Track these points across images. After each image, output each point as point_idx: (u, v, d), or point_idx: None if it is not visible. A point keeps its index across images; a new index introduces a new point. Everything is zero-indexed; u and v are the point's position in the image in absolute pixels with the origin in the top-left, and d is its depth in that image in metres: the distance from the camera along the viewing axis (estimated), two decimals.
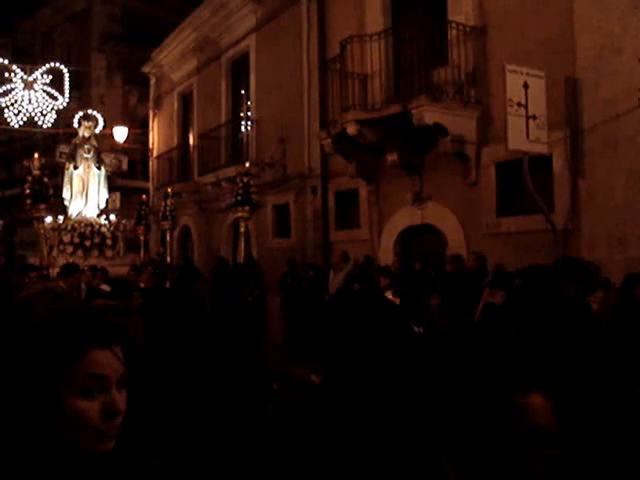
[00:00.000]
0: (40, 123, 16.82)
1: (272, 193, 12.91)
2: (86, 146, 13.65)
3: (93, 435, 0.97)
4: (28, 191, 10.35)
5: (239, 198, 10.65)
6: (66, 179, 13.80)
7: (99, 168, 13.75)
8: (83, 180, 13.59)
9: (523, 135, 6.83)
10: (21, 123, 16.64)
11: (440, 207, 9.13)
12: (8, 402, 0.94)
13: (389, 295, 5.27)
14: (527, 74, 6.91)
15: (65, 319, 1.00)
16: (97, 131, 14.16)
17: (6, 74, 16.09)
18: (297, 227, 12.34)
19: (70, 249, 12.67)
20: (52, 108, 16.78)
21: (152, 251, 14.75)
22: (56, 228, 12.90)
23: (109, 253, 13.08)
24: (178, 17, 17.31)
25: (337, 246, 10.98)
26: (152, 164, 19.41)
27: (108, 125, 15.13)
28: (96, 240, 12.97)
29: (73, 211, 13.58)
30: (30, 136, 18.38)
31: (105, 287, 7.71)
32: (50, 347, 0.95)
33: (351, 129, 9.05)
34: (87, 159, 13.61)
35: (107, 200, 14.18)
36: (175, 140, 18.08)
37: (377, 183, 10.26)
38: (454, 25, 8.60)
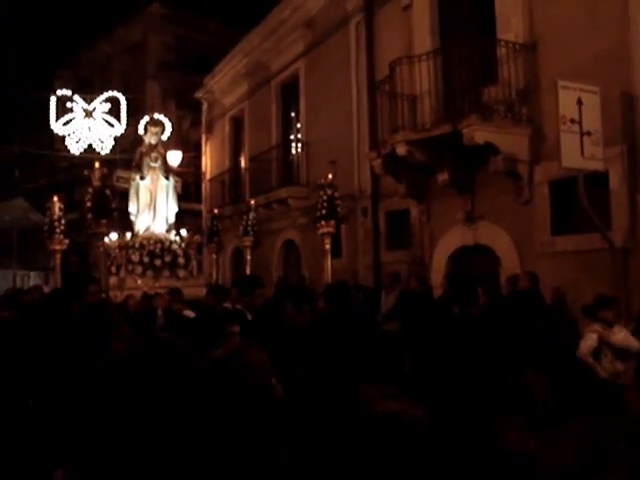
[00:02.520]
0: (98, 150, 17.47)
1: None
2: (153, 154, 12.44)
3: None
4: (89, 204, 9.35)
5: (323, 212, 9.60)
6: (132, 191, 12.55)
7: (167, 178, 12.48)
8: (150, 192, 12.34)
9: (577, 152, 6.67)
10: (81, 150, 17.32)
11: (493, 226, 8.98)
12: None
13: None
14: (580, 90, 6.77)
15: None
16: (164, 138, 12.97)
17: (68, 104, 16.82)
18: (348, 248, 12.33)
19: (139, 269, 11.51)
20: (110, 135, 17.43)
21: (206, 273, 14.90)
22: (123, 246, 11.72)
23: (182, 273, 11.89)
24: (229, 44, 17.79)
25: (388, 267, 10.91)
26: (205, 187, 19.83)
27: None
28: (167, 259, 11.78)
29: (140, 226, 12.34)
30: (89, 162, 19.06)
31: (189, 313, 7.07)
32: None
33: (401, 149, 9.03)
34: (154, 168, 12.36)
35: (176, 214, 12.85)
36: (227, 163, 18.46)
37: (428, 203, 10.18)
38: (503, 43, 8.51)
